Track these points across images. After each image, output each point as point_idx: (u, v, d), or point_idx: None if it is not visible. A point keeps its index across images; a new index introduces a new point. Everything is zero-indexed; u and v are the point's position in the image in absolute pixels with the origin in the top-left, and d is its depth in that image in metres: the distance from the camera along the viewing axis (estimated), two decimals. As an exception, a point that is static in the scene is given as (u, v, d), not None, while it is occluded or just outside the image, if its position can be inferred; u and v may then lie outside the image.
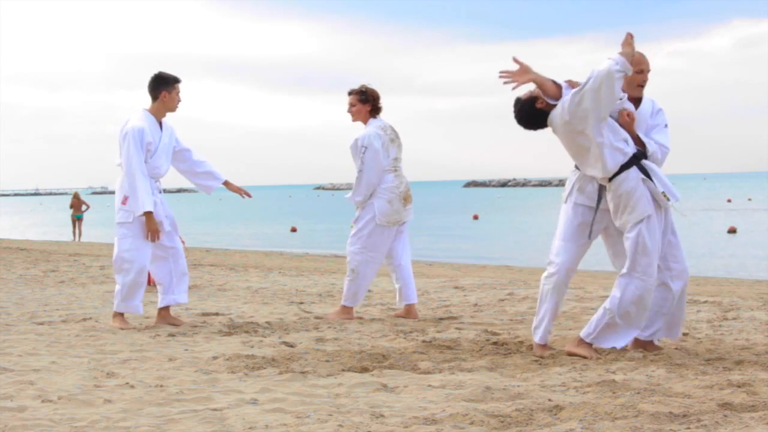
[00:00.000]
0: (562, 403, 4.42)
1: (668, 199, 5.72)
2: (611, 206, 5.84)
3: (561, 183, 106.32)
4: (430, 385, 4.92)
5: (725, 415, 4.11)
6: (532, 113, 5.93)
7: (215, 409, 4.42)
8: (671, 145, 6.05)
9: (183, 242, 7.77)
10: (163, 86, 7.35)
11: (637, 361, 5.50)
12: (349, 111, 7.92)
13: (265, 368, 5.48)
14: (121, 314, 7.35)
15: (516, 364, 5.56)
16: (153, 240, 7.28)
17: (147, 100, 7.44)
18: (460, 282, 11.16)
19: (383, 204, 7.74)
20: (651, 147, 5.87)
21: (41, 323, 7.50)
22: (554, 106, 5.83)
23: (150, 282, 8.99)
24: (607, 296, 6.02)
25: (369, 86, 7.88)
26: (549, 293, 6.04)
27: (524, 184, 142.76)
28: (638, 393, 4.61)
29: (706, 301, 8.69)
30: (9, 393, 4.75)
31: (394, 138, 7.86)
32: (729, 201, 56.80)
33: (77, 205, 28.40)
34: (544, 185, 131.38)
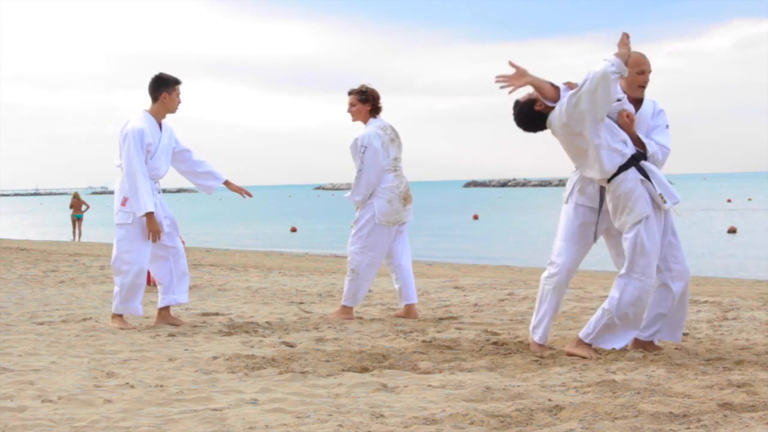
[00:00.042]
0: (562, 403, 4.42)
1: (665, 202, 5.72)
2: (610, 207, 5.85)
3: (561, 183, 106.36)
4: (430, 385, 4.92)
5: (725, 415, 4.11)
6: (531, 116, 5.95)
7: (215, 409, 4.42)
8: (672, 147, 6.05)
9: (183, 242, 7.78)
10: (163, 87, 7.35)
11: (637, 361, 5.50)
12: (349, 111, 7.92)
13: (265, 368, 5.48)
14: (120, 315, 7.35)
15: (516, 364, 5.56)
16: (154, 240, 7.28)
17: (147, 100, 7.44)
18: (460, 282, 11.16)
19: (383, 204, 7.74)
20: (651, 148, 5.87)
21: (41, 323, 7.50)
22: (553, 108, 5.84)
23: (150, 282, 9.00)
24: (606, 296, 6.02)
25: (369, 86, 7.88)
26: (549, 293, 6.06)
27: (524, 184, 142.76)
28: (638, 393, 4.62)
29: (706, 301, 8.69)
30: (9, 393, 4.75)
31: (394, 138, 7.86)
32: (729, 201, 56.80)
33: (77, 205, 28.41)
34: (544, 185, 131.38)
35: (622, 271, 5.78)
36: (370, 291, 9.52)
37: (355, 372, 5.39)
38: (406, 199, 7.86)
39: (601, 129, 5.71)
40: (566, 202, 6.15)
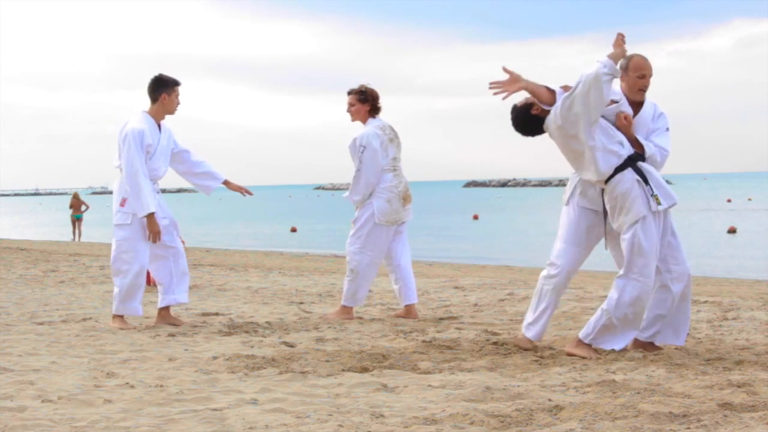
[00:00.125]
0: (562, 403, 4.42)
1: (659, 203, 5.72)
2: (608, 208, 5.87)
3: (561, 183, 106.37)
4: (430, 385, 4.92)
5: (725, 415, 4.11)
6: (528, 120, 5.97)
7: (215, 409, 4.42)
8: (672, 147, 6.05)
9: (183, 242, 7.78)
10: (163, 88, 7.36)
11: (637, 361, 5.50)
12: (349, 111, 7.92)
13: (265, 368, 5.48)
14: (121, 316, 7.35)
15: (516, 364, 5.56)
16: (154, 241, 7.28)
17: (147, 100, 7.45)
18: (460, 282, 11.16)
19: (382, 203, 7.74)
20: (649, 149, 5.88)
21: (41, 323, 7.50)
22: (549, 111, 5.86)
23: (150, 282, 9.00)
24: (606, 296, 6.03)
25: (368, 86, 7.89)
26: (548, 294, 6.09)
27: (524, 184, 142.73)
28: (638, 393, 4.62)
29: (706, 301, 8.69)
30: (9, 393, 4.75)
31: (393, 138, 7.86)
32: (729, 201, 56.79)
33: (77, 205, 28.42)
34: (544, 185, 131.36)
35: (621, 272, 5.80)
36: (370, 291, 9.52)
37: (355, 372, 5.39)
38: (405, 198, 7.86)
39: (596, 131, 5.72)
40: (566, 203, 6.16)
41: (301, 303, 9.05)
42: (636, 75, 5.88)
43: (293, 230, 36.48)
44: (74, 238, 28.12)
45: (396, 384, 4.98)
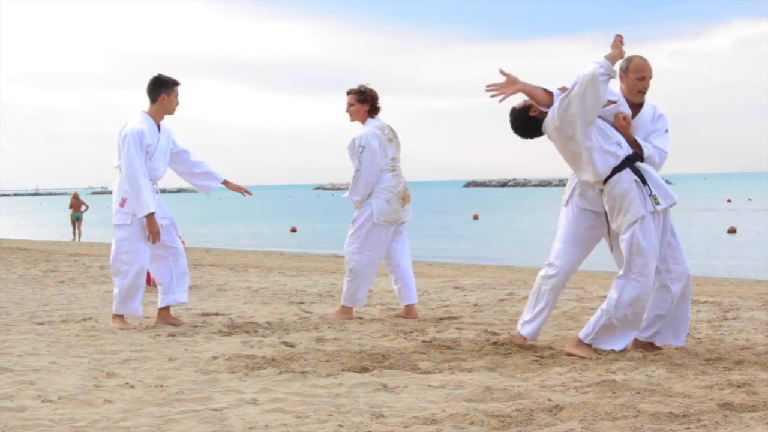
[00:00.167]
0: (562, 403, 4.42)
1: (658, 203, 5.72)
2: (607, 209, 5.87)
3: (561, 183, 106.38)
4: (430, 385, 4.92)
5: (725, 415, 4.12)
6: (526, 122, 5.99)
7: (215, 409, 4.42)
8: (671, 148, 6.05)
9: (183, 242, 7.78)
10: (162, 89, 7.36)
11: (637, 361, 5.50)
12: (348, 111, 7.92)
13: (265, 368, 5.48)
14: (121, 316, 7.35)
15: (516, 364, 5.56)
16: (154, 241, 7.27)
17: (147, 100, 7.44)
18: (460, 282, 11.16)
19: (381, 203, 7.74)
20: (648, 150, 5.88)
21: (41, 323, 7.50)
22: (547, 113, 5.87)
23: (150, 282, 9.00)
24: (606, 296, 6.03)
25: (368, 86, 7.89)
26: (546, 294, 6.13)
27: (524, 184, 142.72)
28: (638, 393, 4.62)
29: (706, 301, 8.69)
30: (9, 393, 4.75)
31: (392, 138, 7.86)
32: (729, 201, 56.79)
33: (76, 205, 28.41)
34: (544, 185, 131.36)
35: (620, 272, 5.80)
36: (370, 291, 9.52)
37: (355, 372, 5.39)
38: (404, 198, 7.86)
39: (592, 131, 5.73)
40: (566, 204, 6.17)
41: (301, 303, 9.05)
42: (636, 77, 5.89)
43: (293, 230, 36.48)
44: (74, 238, 28.12)
45: (396, 384, 4.98)
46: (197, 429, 4.09)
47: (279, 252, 21.93)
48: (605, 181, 5.78)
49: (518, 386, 4.87)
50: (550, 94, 5.87)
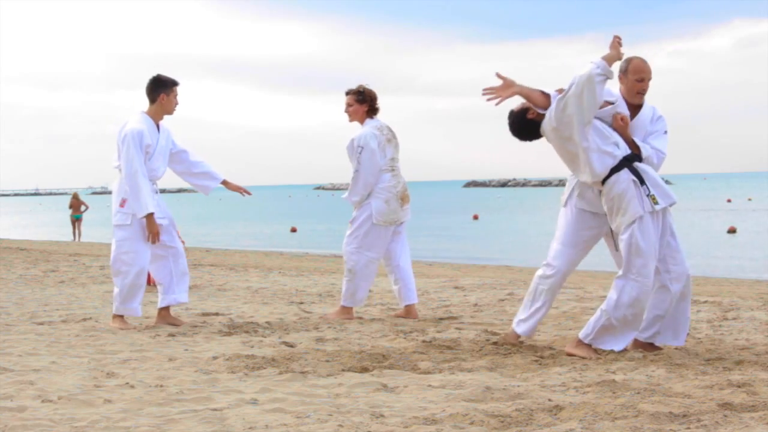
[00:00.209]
0: (562, 403, 4.42)
1: (656, 203, 5.72)
2: (606, 209, 5.88)
3: (561, 183, 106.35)
4: (430, 385, 4.92)
5: (725, 415, 4.12)
6: (524, 124, 6.00)
7: (215, 409, 4.42)
8: (670, 149, 6.06)
9: (183, 242, 7.78)
10: (161, 89, 7.36)
11: (637, 361, 5.50)
12: (347, 111, 7.92)
13: (265, 368, 5.48)
14: (121, 316, 7.35)
15: (516, 364, 5.56)
16: (153, 242, 7.28)
17: (146, 100, 7.44)
18: (460, 282, 11.16)
19: (380, 204, 7.74)
20: (646, 151, 5.89)
21: (41, 323, 7.50)
22: (545, 115, 5.88)
23: (150, 282, 9.00)
24: (606, 296, 6.03)
25: (366, 86, 7.88)
26: (543, 293, 6.16)
27: (524, 184, 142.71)
28: (638, 393, 4.62)
29: (706, 301, 8.69)
30: (9, 393, 4.75)
31: (390, 138, 7.86)
32: (729, 201, 56.79)
33: (76, 205, 28.42)
34: (544, 185, 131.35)
35: (620, 272, 5.80)
36: (370, 291, 9.53)
37: (355, 372, 5.39)
38: (403, 198, 7.86)
39: (589, 132, 5.74)
40: (564, 205, 6.18)
41: (301, 303, 9.05)
42: (635, 78, 5.89)
43: (293, 230, 36.48)
44: (74, 239, 28.12)
45: (396, 384, 4.98)
46: (197, 429, 4.09)
47: (279, 252, 21.93)
48: (603, 181, 5.78)
49: (518, 386, 4.87)
50: (547, 96, 5.88)
